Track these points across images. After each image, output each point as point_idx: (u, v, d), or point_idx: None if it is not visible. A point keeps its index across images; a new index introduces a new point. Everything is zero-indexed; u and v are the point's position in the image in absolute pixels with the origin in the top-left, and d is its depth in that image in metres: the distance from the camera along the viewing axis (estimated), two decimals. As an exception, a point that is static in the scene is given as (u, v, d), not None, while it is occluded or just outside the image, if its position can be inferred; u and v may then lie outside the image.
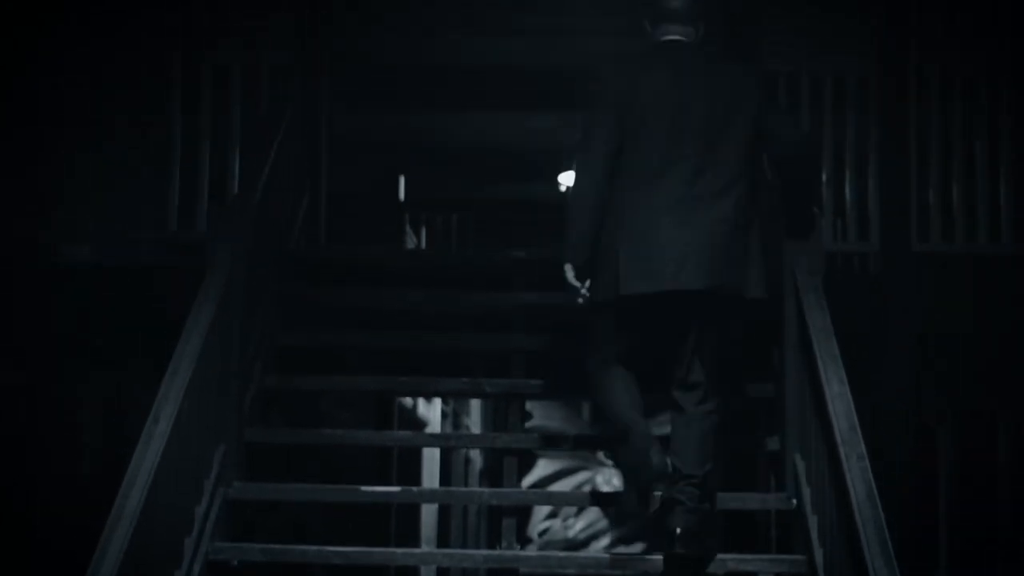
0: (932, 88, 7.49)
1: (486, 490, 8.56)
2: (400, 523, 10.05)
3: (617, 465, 5.40)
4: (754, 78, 5.36)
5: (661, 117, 5.13)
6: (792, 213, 5.48)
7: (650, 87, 5.19)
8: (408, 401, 11.00)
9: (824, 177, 7.49)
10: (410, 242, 11.61)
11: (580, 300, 5.16)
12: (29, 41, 7.38)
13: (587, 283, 5.15)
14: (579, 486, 13.22)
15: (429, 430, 11.72)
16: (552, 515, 13.90)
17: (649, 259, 5.04)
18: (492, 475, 12.36)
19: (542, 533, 13.88)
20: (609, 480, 13.34)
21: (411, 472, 10.93)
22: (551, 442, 8.16)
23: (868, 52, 7.54)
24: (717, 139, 5.14)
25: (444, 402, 12.53)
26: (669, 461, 5.03)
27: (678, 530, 4.92)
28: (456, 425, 13.14)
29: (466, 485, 12.89)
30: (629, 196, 5.12)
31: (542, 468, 13.88)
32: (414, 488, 8.75)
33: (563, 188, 11.64)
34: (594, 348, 5.29)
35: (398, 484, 9.04)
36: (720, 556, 5.07)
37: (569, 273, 5.15)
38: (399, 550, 5.85)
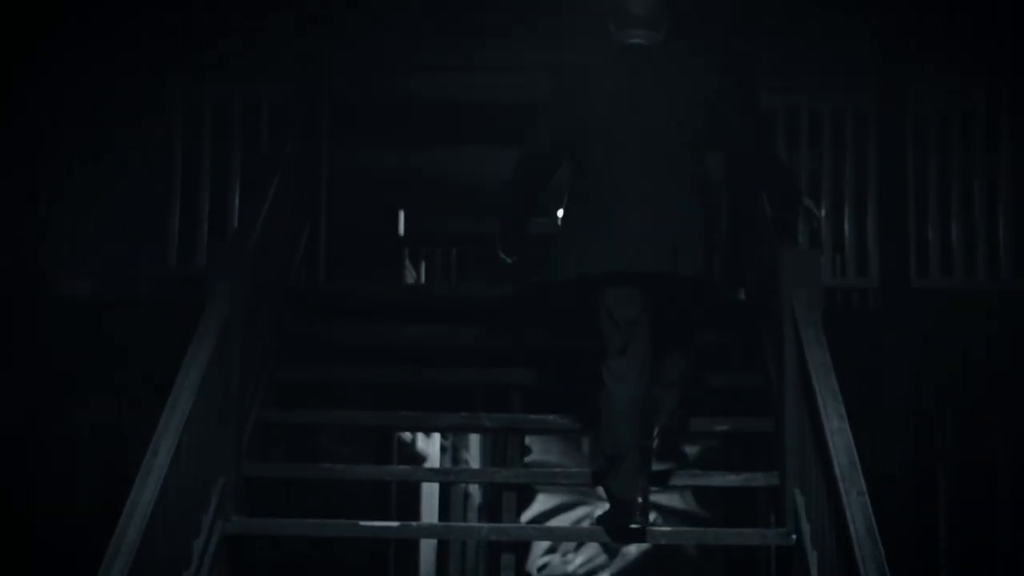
0: (930, 123, 7.52)
1: (485, 525, 8.55)
2: (399, 558, 10.02)
3: (606, 492, 5.47)
4: (714, 74, 5.56)
5: (619, 113, 5.39)
6: (744, 208, 5.67)
7: (609, 85, 5.46)
8: (407, 435, 10.99)
9: (823, 212, 7.51)
10: (409, 276, 11.61)
11: (509, 262, 5.73)
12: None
13: (513, 256, 5.71)
14: (578, 521, 13.21)
15: (428, 464, 11.70)
16: (551, 550, 13.86)
17: (609, 244, 5.30)
18: (491, 510, 12.34)
19: (541, 568, 13.85)
20: (608, 515, 13.29)
21: (410, 506, 10.92)
22: (550, 477, 8.15)
23: (867, 88, 7.57)
24: (675, 132, 5.39)
25: (443, 436, 12.53)
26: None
27: (656, 429, 5.38)
28: (455, 459, 13.14)
29: (465, 519, 12.87)
30: (589, 186, 5.41)
31: (541, 503, 13.86)
32: (413, 523, 8.74)
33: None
34: (606, 351, 5.42)
35: (397, 518, 9.02)
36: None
37: (499, 250, 5.75)
38: (398, 585, 5.85)
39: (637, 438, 5.31)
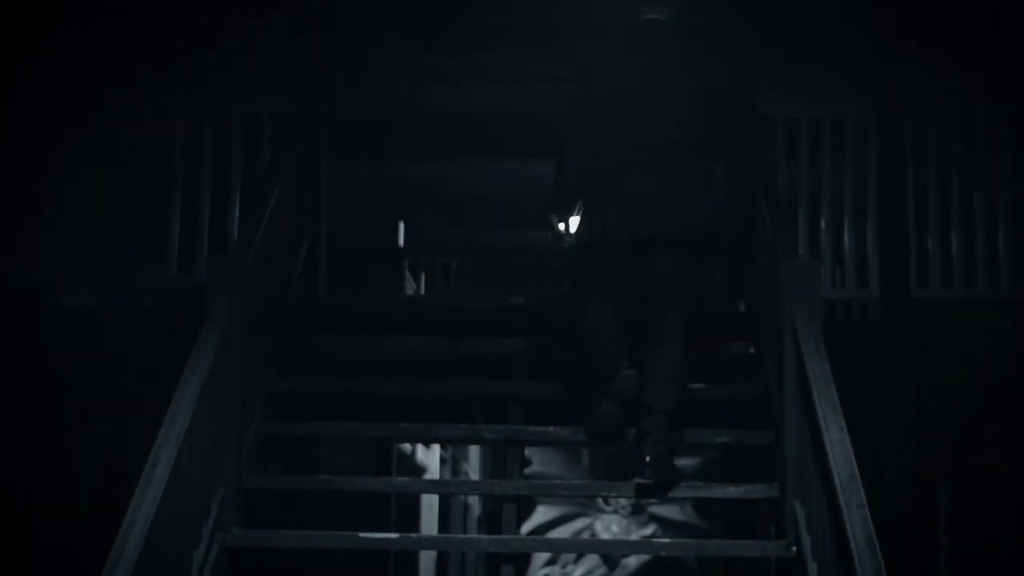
0: (930, 127, 7.52)
1: (485, 537, 8.53)
2: (398, 570, 10.01)
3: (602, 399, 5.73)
4: (714, 73, 5.79)
5: (619, 113, 5.65)
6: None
7: (610, 85, 5.70)
8: (407, 447, 10.99)
9: (823, 224, 7.51)
10: (410, 288, 11.61)
11: (565, 244, 5.85)
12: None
13: (569, 229, 5.82)
14: (578, 532, 13.19)
15: (428, 476, 11.69)
16: (551, 561, 13.84)
17: (627, 211, 5.60)
18: (491, 521, 12.31)
19: (541, 580, 13.83)
20: (608, 527, 13.31)
21: (410, 518, 10.90)
22: (550, 489, 8.15)
23: (867, 89, 7.57)
24: (674, 132, 5.64)
25: (443, 448, 12.52)
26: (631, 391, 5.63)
27: (648, 458, 5.49)
28: (455, 471, 13.13)
29: (465, 531, 12.86)
30: (608, 158, 5.68)
31: (541, 514, 13.85)
32: (412, 535, 8.73)
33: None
34: (583, 298, 5.77)
35: (397, 530, 9.01)
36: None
37: (555, 221, 5.86)
38: (397, 598, 5.84)
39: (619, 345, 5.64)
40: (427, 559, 11.71)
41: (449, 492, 10.70)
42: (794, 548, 5.33)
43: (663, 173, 5.61)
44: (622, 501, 12.51)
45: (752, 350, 6.47)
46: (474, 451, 13.47)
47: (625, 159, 5.63)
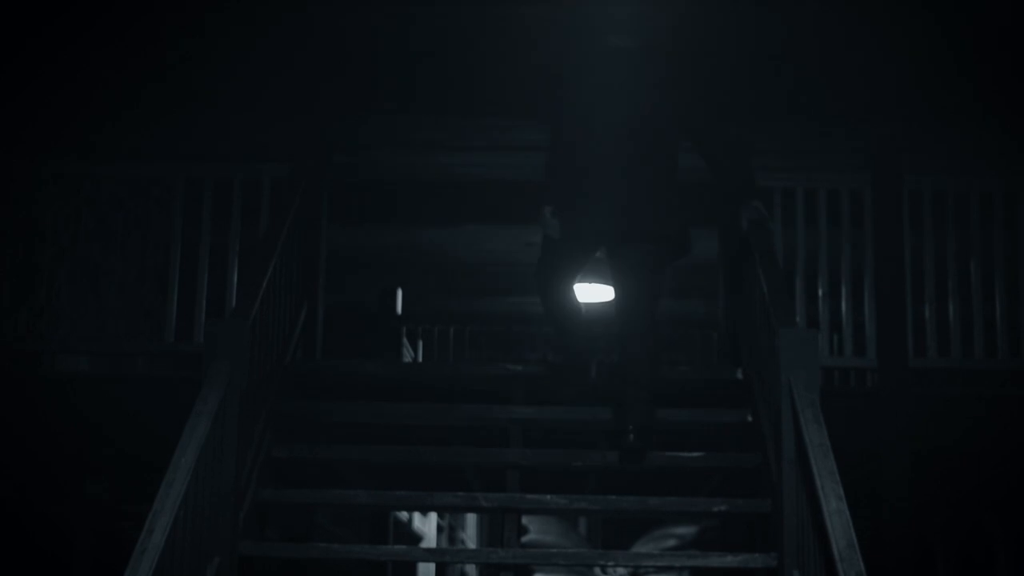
0: (925, 203, 7.55)
1: (481, 605, 8.47)
2: (394, 639, 9.95)
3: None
4: (692, 91, 6.18)
5: (604, 112, 6.08)
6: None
7: (598, 88, 6.11)
8: (404, 514, 10.95)
9: (820, 292, 7.53)
10: (407, 355, 11.61)
11: (551, 233, 6.39)
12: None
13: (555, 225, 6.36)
14: (575, 601, 13.11)
15: (424, 543, 11.65)
16: (548, 631, 13.75)
17: (598, 213, 6.10)
18: (487, 590, 12.25)
19: (538, 649, 13.73)
20: (606, 595, 13.24)
21: (406, 586, 10.85)
22: (548, 557, 8.10)
23: (862, 166, 7.61)
24: (647, 131, 6.07)
25: (440, 515, 12.48)
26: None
27: (631, 425, 5.93)
28: (452, 538, 13.08)
29: (461, 600, 12.79)
30: (584, 167, 6.15)
31: (538, 583, 13.78)
32: (409, 603, 8.66)
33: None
34: (552, 267, 6.45)
35: (393, 599, 8.96)
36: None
37: (546, 213, 6.42)
38: (393, 666, 5.80)
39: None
40: (423, 628, 11.65)
41: (445, 560, 10.62)
42: (792, 618, 5.31)
43: (629, 185, 6.04)
44: (620, 570, 12.46)
45: (750, 418, 6.47)
46: (471, 519, 13.44)
47: (599, 170, 6.07)
